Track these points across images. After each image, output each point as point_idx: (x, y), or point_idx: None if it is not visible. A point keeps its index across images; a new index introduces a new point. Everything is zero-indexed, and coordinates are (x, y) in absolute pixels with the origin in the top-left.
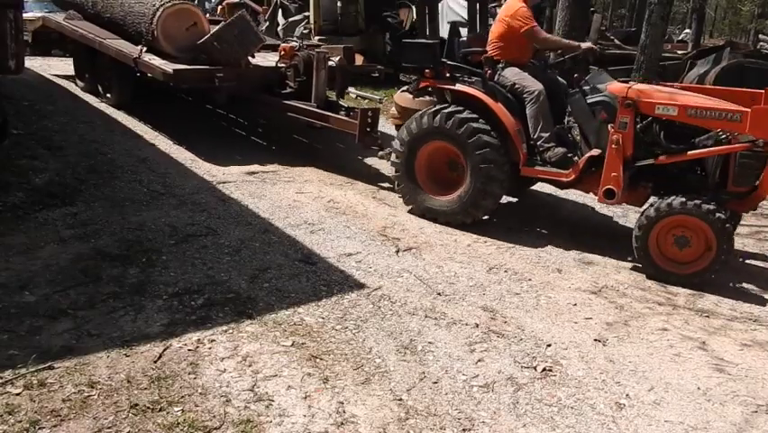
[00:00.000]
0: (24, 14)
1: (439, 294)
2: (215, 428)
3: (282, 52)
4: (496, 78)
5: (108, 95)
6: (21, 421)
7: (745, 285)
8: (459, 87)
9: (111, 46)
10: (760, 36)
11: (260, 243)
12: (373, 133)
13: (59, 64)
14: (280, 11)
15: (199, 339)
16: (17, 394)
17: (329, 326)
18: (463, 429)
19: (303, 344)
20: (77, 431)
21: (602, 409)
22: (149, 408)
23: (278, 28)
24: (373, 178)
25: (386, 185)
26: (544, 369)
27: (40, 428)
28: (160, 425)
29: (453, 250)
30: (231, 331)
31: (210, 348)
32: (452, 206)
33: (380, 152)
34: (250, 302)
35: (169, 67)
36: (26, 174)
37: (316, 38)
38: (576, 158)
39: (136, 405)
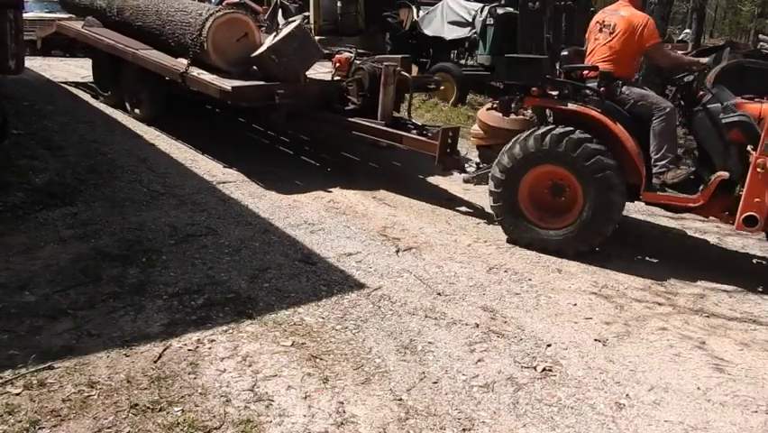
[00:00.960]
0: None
1: (439, 294)
2: (215, 428)
3: (337, 64)
4: (615, 95)
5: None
6: (21, 421)
7: (744, 285)
8: (573, 106)
9: (149, 59)
10: (760, 36)
11: (261, 243)
12: (454, 155)
13: (59, 64)
14: (280, 11)
15: (199, 339)
16: (17, 394)
17: (329, 326)
18: (463, 429)
19: (303, 344)
20: (77, 431)
21: (602, 409)
22: (149, 408)
23: (278, 28)
24: (446, 200)
25: (463, 209)
26: (543, 369)
27: (40, 428)
28: (159, 425)
29: (453, 250)
30: (231, 331)
31: (210, 348)
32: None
33: (465, 176)
34: (250, 302)
35: (226, 83)
36: (26, 174)
37: (316, 37)
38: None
39: (136, 405)
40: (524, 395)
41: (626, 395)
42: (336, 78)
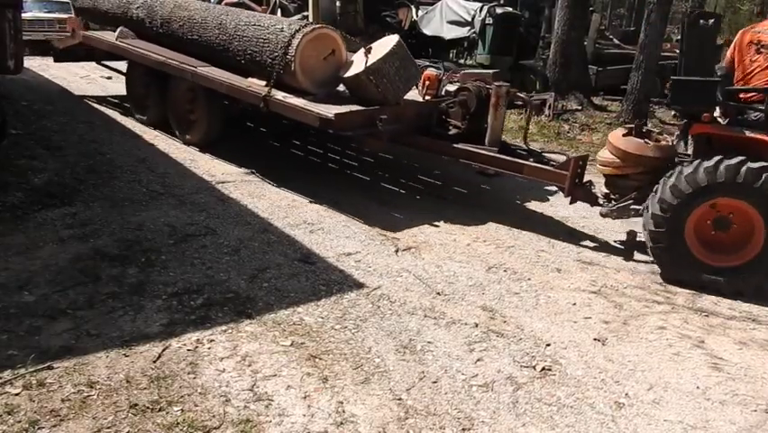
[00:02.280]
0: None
1: (438, 294)
2: (215, 428)
3: (426, 82)
4: None
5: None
6: (20, 421)
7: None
8: (754, 134)
9: (216, 79)
10: None
11: (260, 242)
12: (586, 185)
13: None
14: (279, 11)
15: (198, 339)
16: (16, 394)
17: (328, 325)
18: (463, 429)
19: (302, 343)
20: (77, 431)
21: (601, 409)
22: (148, 408)
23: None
24: (565, 234)
25: (591, 244)
26: (543, 368)
27: (39, 428)
28: (159, 425)
29: (453, 249)
30: (230, 331)
31: (209, 348)
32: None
33: (603, 210)
34: (249, 302)
35: (328, 110)
36: (25, 174)
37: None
38: None
39: (135, 405)
40: (523, 394)
41: (626, 394)
42: (427, 97)
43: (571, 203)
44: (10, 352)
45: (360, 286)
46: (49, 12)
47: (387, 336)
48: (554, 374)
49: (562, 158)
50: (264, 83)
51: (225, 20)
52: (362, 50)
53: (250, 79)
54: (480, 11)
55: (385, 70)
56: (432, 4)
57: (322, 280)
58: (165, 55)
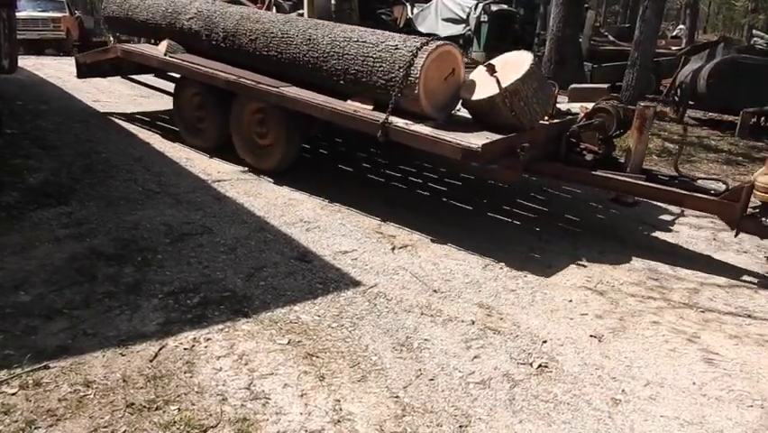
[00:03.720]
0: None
1: (435, 291)
2: (212, 427)
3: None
4: None
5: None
6: (17, 421)
7: (738, 280)
8: None
9: (317, 103)
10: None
11: (256, 241)
12: (759, 217)
13: (53, 63)
14: (274, 9)
15: (195, 338)
16: (13, 394)
17: (325, 324)
18: (460, 426)
19: (299, 342)
20: (74, 431)
21: (598, 405)
22: (145, 407)
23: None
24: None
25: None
26: (540, 365)
27: (36, 428)
28: (156, 424)
29: (449, 247)
30: (227, 330)
31: (206, 347)
32: None
33: None
34: (246, 301)
35: (470, 141)
36: (21, 173)
37: None
38: None
39: (132, 404)
40: (520, 391)
41: (622, 391)
42: (553, 120)
43: (736, 235)
44: (6, 352)
45: (356, 284)
46: (43, 11)
47: (383, 334)
48: (551, 371)
49: (715, 184)
50: (371, 107)
51: (316, 35)
52: (482, 67)
53: (350, 103)
54: (475, 8)
55: (523, 92)
56: (427, 1)
57: (318, 278)
58: (236, 74)
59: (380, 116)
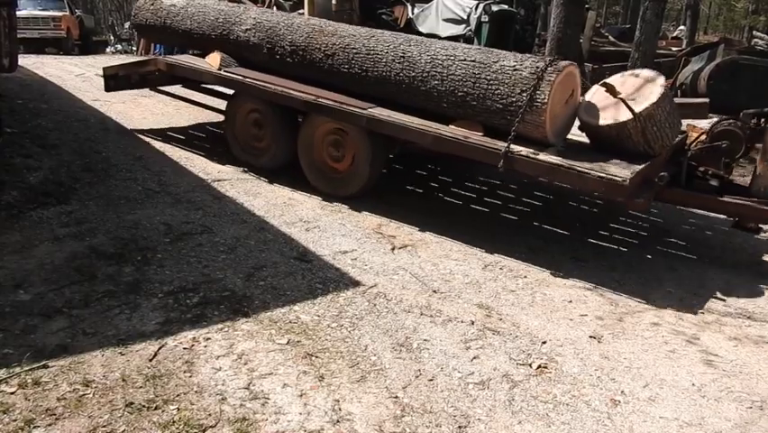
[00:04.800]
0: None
1: (435, 291)
2: (211, 427)
3: None
4: None
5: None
6: (16, 420)
7: (737, 281)
8: None
9: (416, 128)
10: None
11: (256, 241)
12: None
13: (53, 62)
14: (275, 8)
15: (195, 337)
16: (12, 393)
17: (325, 323)
18: (459, 426)
19: (298, 342)
20: (73, 430)
21: (597, 406)
22: (144, 406)
23: None
24: None
25: None
26: (539, 366)
27: (35, 427)
28: (155, 423)
29: (449, 247)
30: (226, 329)
31: (205, 346)
32: None
33: None
34: (245, 300)
35: (615, 173)
36: (20, 173)
37: None
38: None
39: (131, 403)
40: (519, 392)
41: (622, 391)
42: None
43: None
44: (5, 351)
45: (356, 284)
46: (43, 9)
47: (383, 334)
48: (550, 372)
49: None
50: (480, 133)
51: (412, 52)
52: (598, 87)
53: (454, 128)
54: (476, 8)
55: (657, 117)
56: (428, 1)
57: (318, 278)
58: (311, 92)
59: (496, 143)
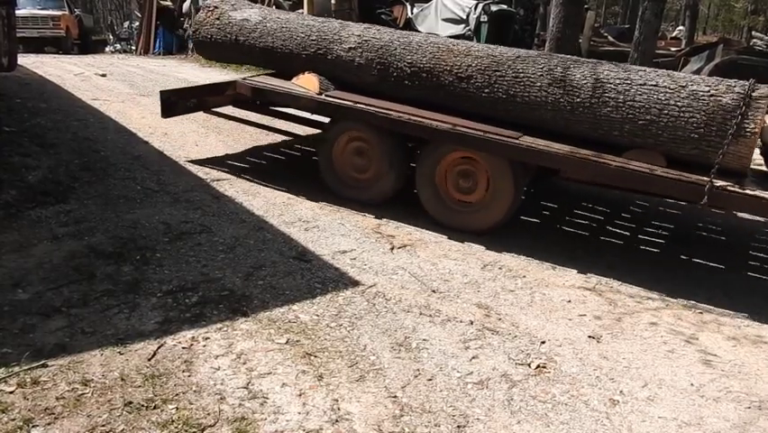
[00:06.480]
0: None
1: (434, 291)
2: (210, 426)
3: None
4: None
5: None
6: (14, 419)
7: (736, 280)
8: None
9: (595, 160)
10: (753, 33)
11: (255, 240)
12: None
13: (52, 61)
14: (274, 8)
15: (194, 337)
16: (10, 392)
17: (324, 323)
18: (458, 426)
19: (297, 341)
20: (71, 429)
21: (596, 406)
22: (143, 406)
23: None
24: None
25: None
26: (538, 366)
27: (33, 427)
28: (154, 423)
29: (448, 247)
30: (225, 329)
31: (204, 346)
32: None
33: None
34: (244, 300)
35: None
36: (19, 172)
37: None
38: None
39: (130, 403)
40: (518, 392)
41: (620, 391)
42: None
43: None
44: (4, 350)
45: (355, 284)
46: (43, 9)
47: (382, 334)
48: (549, 372)
49: None
50: (663, 164)
51: (574, 75)
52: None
53: (630, 159)
54: (475, 8)
55: None
56: (427, 1)
57: (317, 277)
58: (445, 120)
59: (692, 177)
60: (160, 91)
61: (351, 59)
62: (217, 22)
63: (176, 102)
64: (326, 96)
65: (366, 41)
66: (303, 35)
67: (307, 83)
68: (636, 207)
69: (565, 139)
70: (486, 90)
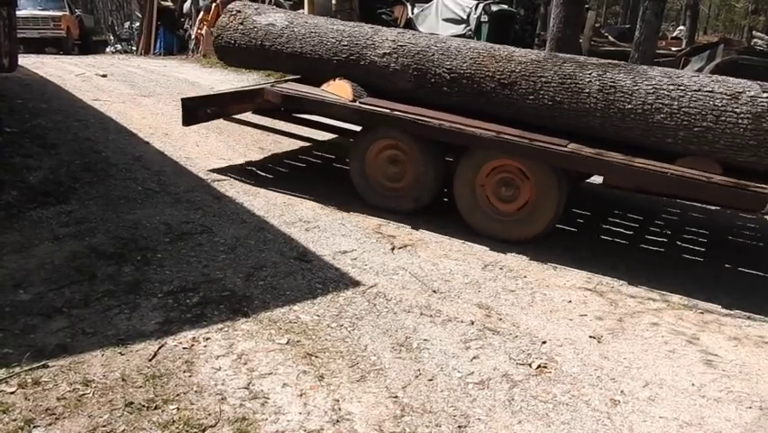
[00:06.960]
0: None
1: (434, 291)
2: (211, 426)
3: None
4: None
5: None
6: (15, 420)
7: (737, 280)
8: None
9: (657, 170)
10: (753, 33)
11: (256, 240)
12: None
13: (52, 62)
14: (274, 7)
15: (194, 337)
16: (11, 393)
17: (324, 323)
18: (459, 426)
19: (298, 341)
20: (72, 430)
21: (597, 406)
22: (144, 406)
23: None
24: None
25: None
26: (539, 366)
27: (34, 427)
28: (155, 423)
29: (449, 247)
30: (226, 329)
31: (205, 346)
32: None
33: None
34: (245, 300)
35: None
36: (20, 172)
37: None
38: None
39: (131, 403)
40: (519, 392)
41: (621, 391)
42: None
43: None
44: (5, 350)
45: (356, 284)
46: (43, 9)
47: (383, 334)
48: (550, 372)
49: None
50: (719, 171)
51: (625, 81)
52: None
53: (684, 167)
54: (476, 8)
55: None
56: (427, 1)
57: (318, 278)
58: (487, 128)
59: (756, 185)
60: (182, 99)
61: (385, 64)
62: (241, 26)
63: (197, 109)
64: (360, 103)
65: (401, 46)
66: (334, 40)
67: (339, 90)
68: (637, 207)
69: (612, 146)
70: (531, 97)
